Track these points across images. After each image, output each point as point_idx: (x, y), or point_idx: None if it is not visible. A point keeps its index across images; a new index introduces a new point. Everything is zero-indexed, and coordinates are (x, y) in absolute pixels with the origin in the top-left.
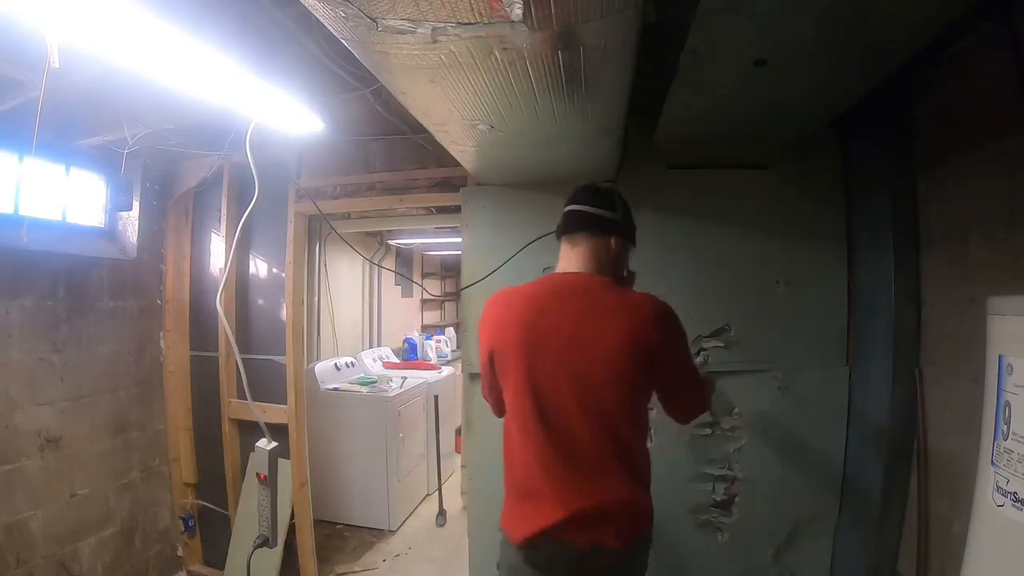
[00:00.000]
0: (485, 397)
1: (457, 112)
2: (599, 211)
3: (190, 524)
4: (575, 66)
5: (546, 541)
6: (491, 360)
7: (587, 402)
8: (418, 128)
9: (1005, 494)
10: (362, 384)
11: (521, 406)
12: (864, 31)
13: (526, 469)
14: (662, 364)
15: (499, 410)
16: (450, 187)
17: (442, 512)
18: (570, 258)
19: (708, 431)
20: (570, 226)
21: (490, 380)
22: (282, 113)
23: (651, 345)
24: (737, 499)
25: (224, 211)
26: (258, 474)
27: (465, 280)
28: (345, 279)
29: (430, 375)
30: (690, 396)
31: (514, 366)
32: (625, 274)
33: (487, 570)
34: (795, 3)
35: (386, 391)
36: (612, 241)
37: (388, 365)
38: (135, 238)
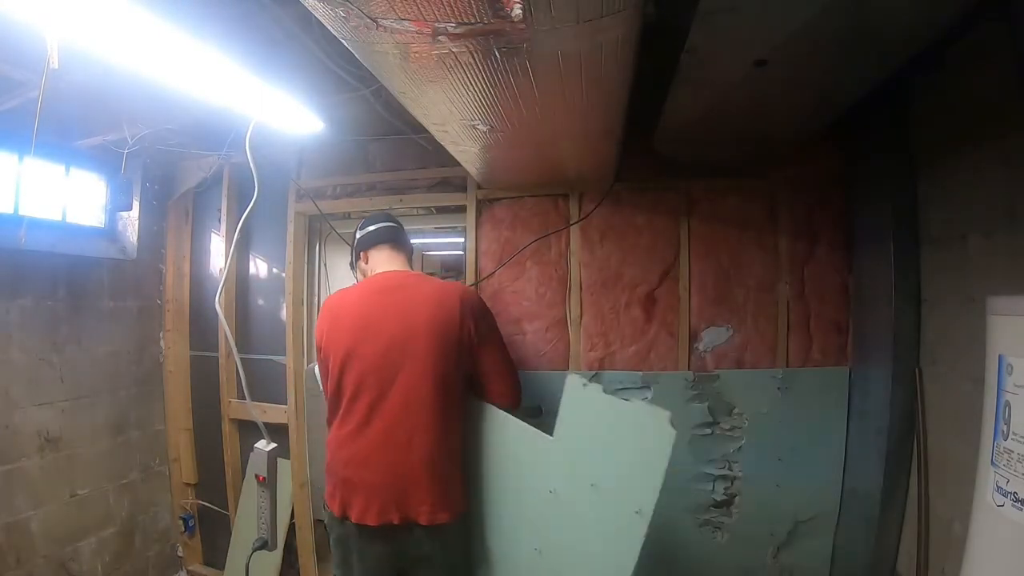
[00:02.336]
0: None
1: (457, 112)
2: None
3: (190, 524)
4: (575, 66)
5: (370, 525)
6: (327, 357)
7: (409, 383)
8: (418, 128)
9: (1005, 494)
10: None
11: (352, 393)
12: (864, 31)
13: (349, 451)
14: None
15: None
16: (450, 187)
17: None
18: (389, 260)
19: (708, 431)
20: (385, 237)
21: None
22: (282, 113)
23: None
24: (737, 499)
25: (224, 211)
26: (256, 475)
27: (468, 280)
28: (345, 279)
29: None
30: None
31: (347, 359)
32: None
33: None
34: (795, 3)
35: None
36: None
37: None
38: (135, 238)
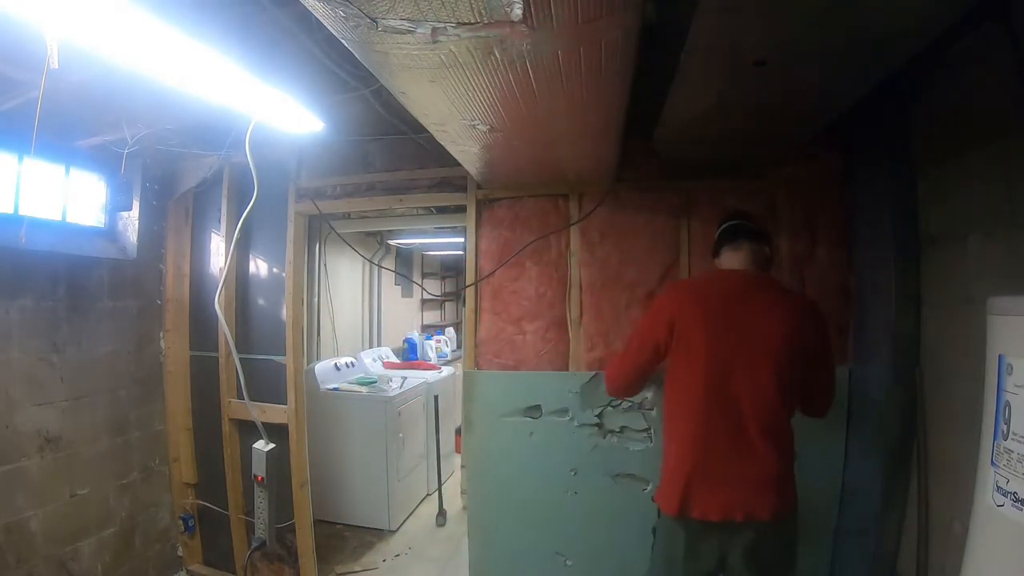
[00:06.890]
0: (621, 372)
1: (457, 112)
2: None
3: (190, 524)
4: (575, 66)
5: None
6: (670, 333)
7: (752, 382)
8: (418, 128)
9: (1005, 494)
10: (362, 384)
11: (698, 383)
12: (864, 31)
13: (691, 444)
14: (813, 357)
15: (636, 385)
16: (450, 187)
17: (442, 512)
18: (735, 259)
19: None
20: (737, 235)
21: (649, 354)
22: (282, 113)
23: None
24: None
25: (224, 211)
26: (255, 476)
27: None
28: (345, 279)
29: (430, 375)
30: (829, 390)
31: (699, 344)
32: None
33: (487, 570)
34: (795, 3)
35: (386, 391)
36: (767, 248)
37: (388, 365)
38: (135, 238)
